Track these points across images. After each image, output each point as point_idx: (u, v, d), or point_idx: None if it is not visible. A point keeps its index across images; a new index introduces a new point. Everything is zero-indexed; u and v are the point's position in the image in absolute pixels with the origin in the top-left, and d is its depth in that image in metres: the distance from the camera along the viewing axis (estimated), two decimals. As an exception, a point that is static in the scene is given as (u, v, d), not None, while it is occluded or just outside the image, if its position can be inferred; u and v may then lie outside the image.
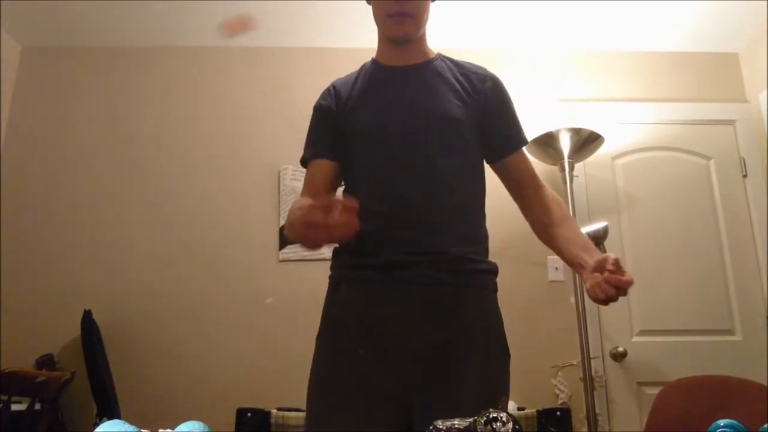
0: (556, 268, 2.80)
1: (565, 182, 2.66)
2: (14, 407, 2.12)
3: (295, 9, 2.82)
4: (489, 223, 1.36)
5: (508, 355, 1.24)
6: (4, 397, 2.06)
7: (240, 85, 3.06)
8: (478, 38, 2.96)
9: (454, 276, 1.21)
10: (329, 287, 1.31)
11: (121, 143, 2.96)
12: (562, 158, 2.66)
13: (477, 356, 1.16)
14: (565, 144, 2.64)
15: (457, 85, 1.32)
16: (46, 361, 2.55)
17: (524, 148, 1.40)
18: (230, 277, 2.77)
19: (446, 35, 2.80)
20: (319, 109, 1.40)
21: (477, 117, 1.31)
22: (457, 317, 1.18)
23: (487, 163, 1.38)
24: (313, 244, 1.11)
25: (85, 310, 2.57)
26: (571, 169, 2.67)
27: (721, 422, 0.81)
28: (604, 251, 2.37)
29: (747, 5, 2.76)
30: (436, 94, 1.30)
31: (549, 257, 2.81)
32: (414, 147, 1.26)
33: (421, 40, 1.36)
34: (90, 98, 3.03)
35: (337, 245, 1.32)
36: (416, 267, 1.19)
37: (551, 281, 2.79)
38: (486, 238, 1.34)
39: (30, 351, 2.57)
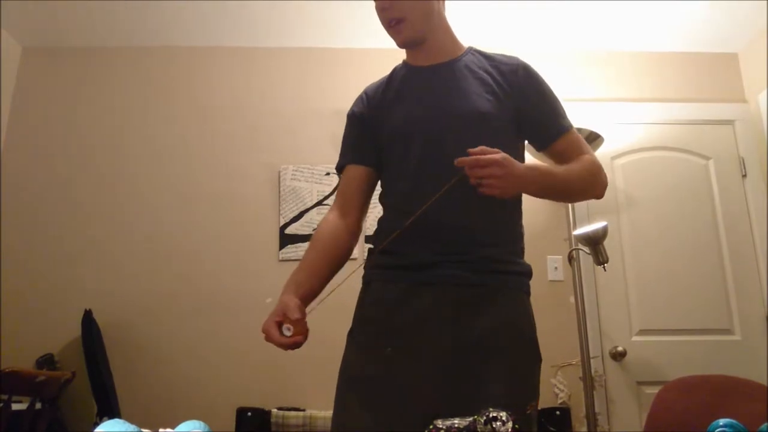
0: (556, 268, 2.80)
1: (565, 182, 2.66)
2: (15, 407, 2.13)
3: (294, 10, 2.82)
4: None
5: (539, 360, 1.22)
6: (5, 397, 2.06)
7: (240, 85, 3.06)
8: (477, 39, 2.95)
9: (482, 277, 1.20)
10: (362, 286, 1.32)
11: (121, 143, 2.96)
12: (562, 158, 2.66)
13: (505, 359, 1.14)
14: (565, 144, 2.64)
15: (487, 78, 1.30)
16: (47, 361, 2.56)
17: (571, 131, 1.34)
18: (230, 277, 2.77)
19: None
20: (351, 117, 1.43)
21: (511, 108, 1.28)
22: (484, 319, 1.16)
23: (537, 151, 1.36)
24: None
25: (85, 310, 2.57)
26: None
27: (721, 422, 0.81)
28: (604, 251, 2.38)
29: (746, 5, 2.76)
30: (463, 90, 1.29)
31: (549, 257, 2.81)
32: (439, 145, 1.25)
33: (440, 35, 1.34)
34: (90, 98, 3.03)
35: (371, 245, 1.33)
36: (444, 267, 1.19)
37: (551, 281, 2.79)
38: (521, 236, 1.31)
39: (30, 351, 2.57)
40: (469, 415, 0.70)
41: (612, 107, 3.00)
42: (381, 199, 1.37)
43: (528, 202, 1.32)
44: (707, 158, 2.96)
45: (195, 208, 2.87)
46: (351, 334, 1.28)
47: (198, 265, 2.79)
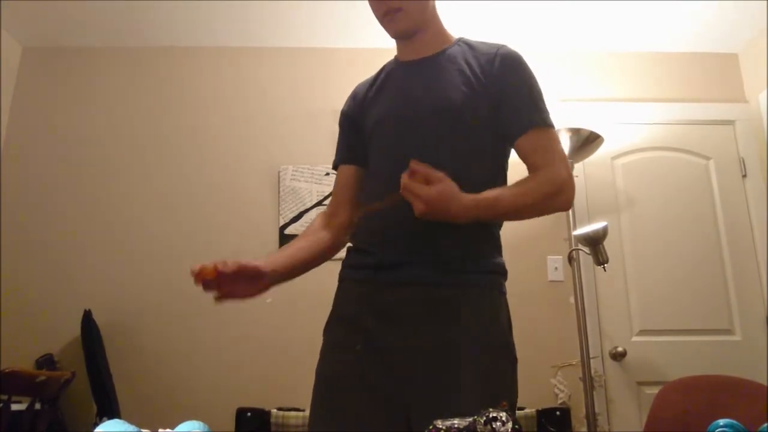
0: (556, 268, 2.80)
1: (565, 182, 2.66)
2: (14, 407, 2.13)
3: (296, 10, 2.82)
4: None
5: (513, 358, 1.19)
6: (5, 397, 2.07)
7: (240, 84, 3.06)
8: (477, 38, 2.96)
9: (450, 276, 1.17)
10: (337, 284, 1.33)
11: (121, 143, 2.96)
12: (562, 158, 2.66)
13: (473, 358, 1.12)
14: (565, 144, 2.64)
15: (466, 69, 1.26)
16: (46, 361, 2.55)
17: (544, 131, 1.25)
18: (230, 277, 2.76)
19: (446, 35, 2.81)
20: (341, 116, 1.44)
21: (487, 100, 1.23)
22: (453, 319, 1.14)
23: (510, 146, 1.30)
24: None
25: (85, 310, 2.57)
26: (571, 169, 2.67)
27: (721, 422, 0.80)
28: (604, 251, 2.38)
29: (747, 5, 2.76)
30: (440, 83, 1.26)
31: (549, 257, 2.81)
32: (408, 140, 1.23)
33: (430, 29, 1.32)
34: (90, 98, 3.03)
35: (349, 244, 1.33)
36: (411, 267, 1.17)
37: (551, 281, 2.79)
38: (494, 234, 1.26)
39: (30, 351, 2.57)
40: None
41: (612, 107, 3.00)
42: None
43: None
44: (707, 158, 2.96)
45: (195, 208, 2.87)
46: (325, 331, 1.28)
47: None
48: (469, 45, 1.32)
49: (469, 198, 1.10)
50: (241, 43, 3.08)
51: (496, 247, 1.26)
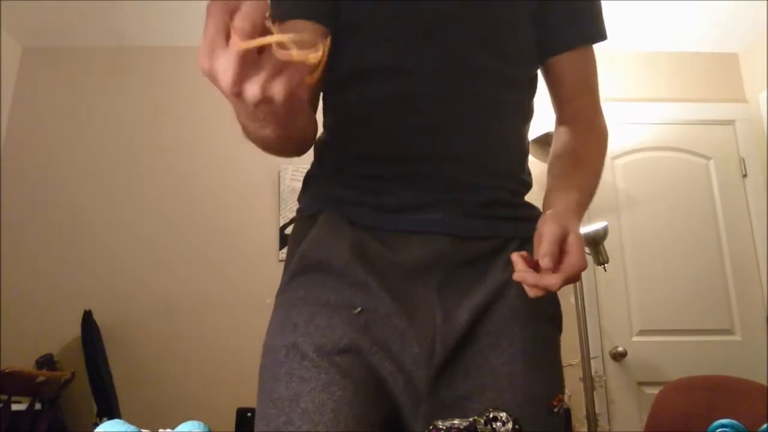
0: (556, 268, 2.80)
1: (565, 182, 2.67)
2: (14, 407, 2.13)
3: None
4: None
5: (559, 331, 0.89)
6: (5, 397, 2.06)
7: (240, 85, 3.06)
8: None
9: (492, 224, 0.85)
10: (296, 226, 0.90)
11: (121, 143, 2.96)
12: (562, 158, 2.67)
13: (521, 339, 0.81)
14: (565, 144, 2.64)
15: None
16: (47, 361, 2.55)
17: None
18: (230, 277, 2.77)
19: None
20: None
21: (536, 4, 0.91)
22: (490, 284, 0.82)
23: (540, 60, 0.96)
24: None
25: (85, 310, 2.57)
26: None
27: (721, 422, 0.81)
28: (604, 251, 2.38)
29: (747, 5, 2.76)
30: None
31: (549, 257, 2.81)
32: (450, 40, 0.84)
33: None
34: (90, 98, 3.03)
35: (312, 169, 0.92)
36: (438, 211, 0.83)
37: (551, 281, 2.79)
38: (529, 174, 0.96)
39: (30, 351, 2.57)
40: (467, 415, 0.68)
41: (612, 107, 2.98)
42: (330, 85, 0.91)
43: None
44: (707, 158, 2.96)
45: (195, 208, 2.87)
46: (284, 292, 0.87)
47: (198, 265, 2.79)
48: None
49: (577, 216, 0.84)
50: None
51: (529, 187, 0.97)
